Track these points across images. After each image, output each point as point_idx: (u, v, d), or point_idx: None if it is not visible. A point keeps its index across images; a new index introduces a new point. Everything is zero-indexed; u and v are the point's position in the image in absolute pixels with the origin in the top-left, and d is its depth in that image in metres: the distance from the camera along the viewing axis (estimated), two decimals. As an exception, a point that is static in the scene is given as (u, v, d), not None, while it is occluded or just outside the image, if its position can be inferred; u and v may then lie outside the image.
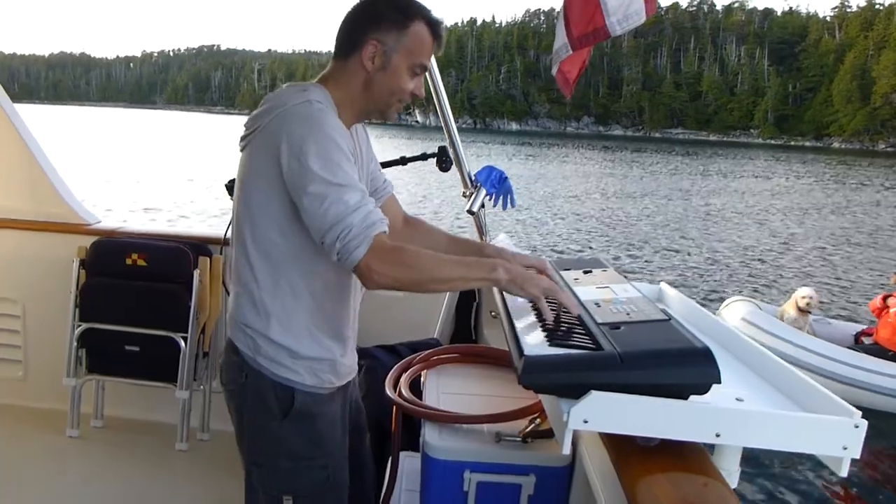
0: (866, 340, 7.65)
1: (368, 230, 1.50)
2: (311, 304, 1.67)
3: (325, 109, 1.58)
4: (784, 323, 7.58)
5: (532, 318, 1.52)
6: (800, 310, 7.64)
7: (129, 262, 3.10)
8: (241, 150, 1.66)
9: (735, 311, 7.81)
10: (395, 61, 1.64)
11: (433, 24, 1.68)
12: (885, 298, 7.57)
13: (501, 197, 2.71)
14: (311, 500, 1.74)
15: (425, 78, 2.43)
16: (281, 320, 1.65)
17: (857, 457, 1.10)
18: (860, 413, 1.11)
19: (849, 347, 7.38)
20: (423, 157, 2.75)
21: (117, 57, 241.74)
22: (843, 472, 1.12)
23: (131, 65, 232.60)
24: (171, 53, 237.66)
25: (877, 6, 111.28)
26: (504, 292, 1.66)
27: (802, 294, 7.74)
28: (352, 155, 1.60)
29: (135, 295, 3.09)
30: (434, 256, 1.60)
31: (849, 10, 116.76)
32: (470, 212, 2.69)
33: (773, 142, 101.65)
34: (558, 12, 2.66)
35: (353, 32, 1.66)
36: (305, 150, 1.50)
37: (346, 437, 1.82)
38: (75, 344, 3.11)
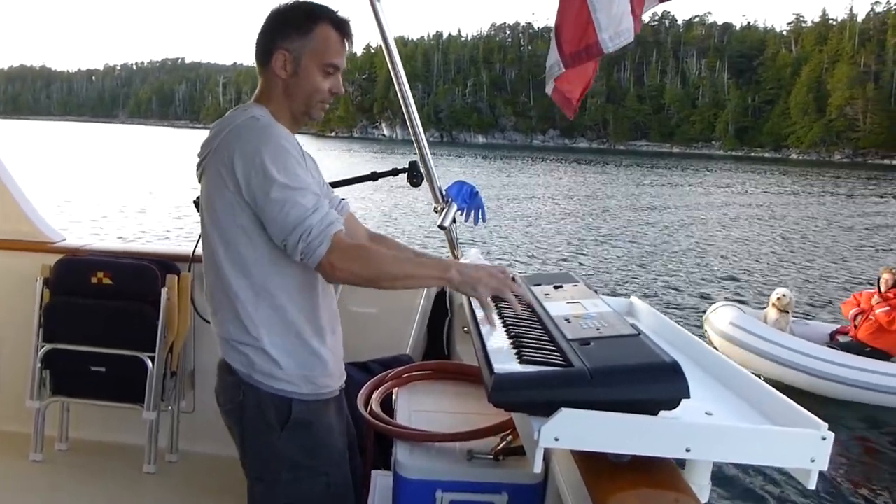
0: (841, 339, 8.10)
1: (328, 229, 1.59)
2: (293, 307, 1.73)
3: (271, 121, 1.69)
4: (767, 325, 7.97)
5: (503, 335, 1.53)
6: (779, 310, 8.08)
7: (94, 280, 3.05)
8: (199, 177, 1.75)
9: (721, 316, 8.21)
10: (305, 65, 1.72)
11: (339, 24, 1.75)
12: (857, 298, 8.11)
13: (472, 212, 2.72)
14: None
15: (396, 92, 2.51)
16: (269, 329, 1.71)
17: (825, 469, 1.12)
18: (826, 425, 1.13)
19: (826, 345, 7.86)
20: (394, 172, 2.75)
21: (79, 70, 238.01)
22: (812, 485, 1.14)
23: (93, 78, 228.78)
24: (135, 66, 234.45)
25: (830, 21, 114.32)
26: (470, 300, 1.73)
27: (778, 294, 8.23)
28: (302, 160, 1.69)
29: (100, 314, 3.03)
30: (391, 255, 1.71)
31: (804, 24, 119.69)
32: (441, 227, 2.70)
33: (734, 153, 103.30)
34: (551, 30, 2.69)
35: (264, 44, 1.76)
36: (261, 160, 1.59)
37: (345, 445, 1.86)
38: (39, 365, 3.04)
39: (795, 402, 1.22)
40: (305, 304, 1.76)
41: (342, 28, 1.76)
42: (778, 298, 8.13)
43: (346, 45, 1.78)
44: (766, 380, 7.39)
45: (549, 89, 2.75)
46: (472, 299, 1.75)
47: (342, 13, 1.77)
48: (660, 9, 2.73)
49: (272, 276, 1.70)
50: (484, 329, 1.58)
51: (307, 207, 1.59)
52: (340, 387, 1.89)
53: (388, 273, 1.64)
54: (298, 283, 1.74)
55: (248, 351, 1.71)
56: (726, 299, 9.72)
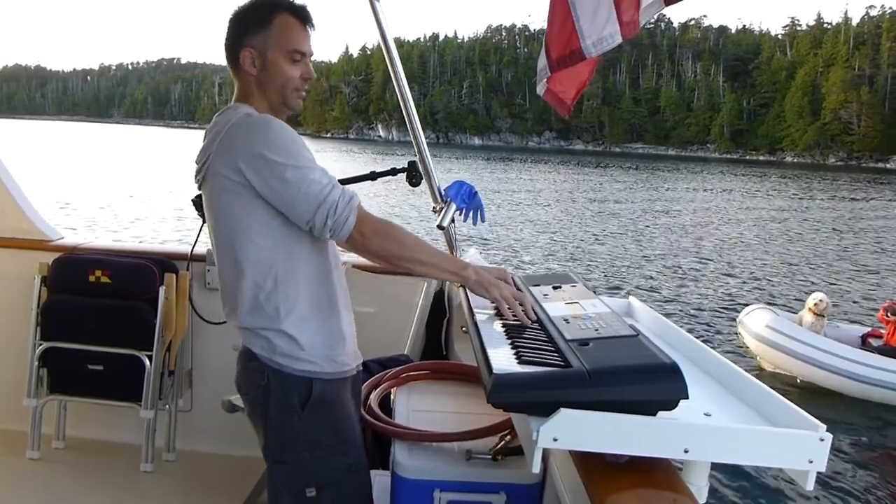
0: (873, 342, 8.29)
1: (351, 202, 1.66)
2: (312, 289, 1.76)
3: (265, 114, 1.72)
4: (803, 327, 8.16)
5: (501, 335, 1.53)
6: (816, 315, 8.28)
7: (92, 278, 3.04)
8: (200, 183, 1.76)
9: (756, 318, 8.40)
10: (272, 57, 1.76)
11: (296, 10, 1.79)
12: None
13: (471, 212, 2.72)
14: (334, 489, 1.77)
15: (392, 93, 2.54)
16: (289, 312, 1.73)
17: (823, 470, 1.13)
18: (825, 427, 1.14)
19: (860, 348, 8.03)
20: (393, 171, 2.74)
21: (74, 70, 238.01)
22: (809, 486, 1.15)
23: (88, 78, 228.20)
24: (130, 66, 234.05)
25: (825, 25, 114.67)
26: (468, 294, 1.76)
27: (815, 299, 8.43)
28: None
29: (98, 312, 3.02)
30: (416, 237, 1.75)
31: (799, 28, 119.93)
32: (440, 227, 2.70)
33: (729, 156, 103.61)
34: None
35: (230, 47, 1.80)
36: (265, 148, 1.63)
37: (360, 428, 1.87)
38: (36, 363, 3.03)
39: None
40: (323, 285, 1.79)
41: (300, 14, 1.79)
42: (815, 304, 8.35)
43: (308, 29, 1.81)
44: (802, 382, 7.41)
45: (540, 90, 2.84)
46: (470, 299, 1.76)
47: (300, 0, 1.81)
48: (666, 11, 2.80)
49: (291, 262, 1.73)
50: (483, 329, 1.58)
51: (322, 183, 1.64)
52: (357, 367, 1.90)
53: (412, 254, 1.71)
54: (315, 265, 1.77)
55: (269, 335, 1.73)
56: (755, 302, 9.89)
